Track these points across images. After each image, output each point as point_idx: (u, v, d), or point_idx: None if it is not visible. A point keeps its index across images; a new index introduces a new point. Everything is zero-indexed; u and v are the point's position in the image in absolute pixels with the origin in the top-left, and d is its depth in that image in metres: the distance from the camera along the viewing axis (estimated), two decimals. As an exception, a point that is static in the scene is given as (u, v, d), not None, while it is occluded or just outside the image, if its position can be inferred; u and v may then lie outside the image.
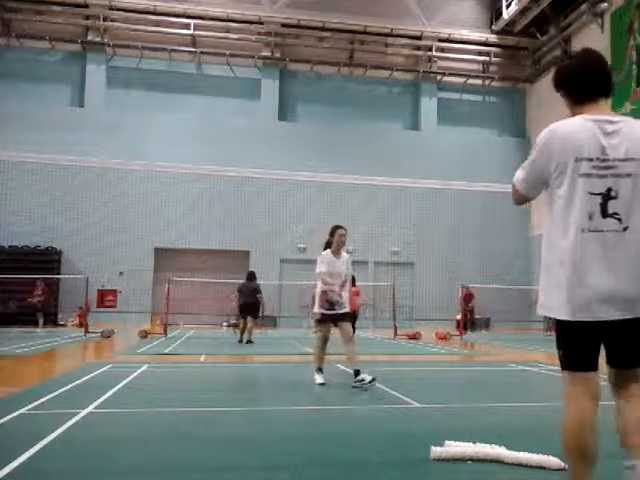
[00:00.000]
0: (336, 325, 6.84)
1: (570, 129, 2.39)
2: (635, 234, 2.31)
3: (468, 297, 20.63)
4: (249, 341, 13.92)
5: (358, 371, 6.57)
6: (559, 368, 2.43)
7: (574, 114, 2.50)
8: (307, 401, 5.95)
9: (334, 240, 6.84)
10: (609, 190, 2.32)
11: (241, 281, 15.08)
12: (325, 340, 6.97)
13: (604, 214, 2.32)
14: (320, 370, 7.01)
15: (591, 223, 2.31)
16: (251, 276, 14.65)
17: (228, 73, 27.57)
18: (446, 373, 8.86)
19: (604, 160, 2.33)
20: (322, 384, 6.78)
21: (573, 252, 2.32)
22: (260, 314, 14.71)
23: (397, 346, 14.37)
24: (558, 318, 2.36)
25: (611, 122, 2.38)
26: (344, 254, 6.97)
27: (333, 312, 6.78)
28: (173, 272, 21.42)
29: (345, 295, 6.91)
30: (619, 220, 2.31)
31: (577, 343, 2.35)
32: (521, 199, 2.66)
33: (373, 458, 3.70)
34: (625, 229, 2.31)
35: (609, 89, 2.49)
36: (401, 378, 7.81)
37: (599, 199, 2.32)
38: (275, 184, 24.92)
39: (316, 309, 6.93)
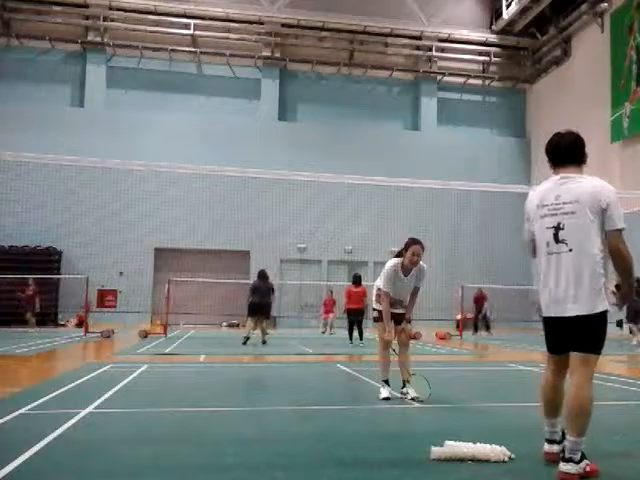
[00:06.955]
0: (397, 324, 6.17)
1: (541, 187, 3.56)
2: (577, 254, 3.32)
3: (480, 299, 20.59)
4: (264, 342, 13.64)
5: (407, 381, 6.12)
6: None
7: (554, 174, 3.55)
8: (307, 401, 5.94)
9: (406, 257, 5.88)
10: (559, 224, 3.37)
11: (246, 281, 14.75)
12: (385, 344, 6.15)
13: (557, 241, 3.36)
14: (386, 382, 6.08)
15: (548, 248, 3.41)
16: (264, 275, 14.09)
17: (228, 73, 27.57)
18: (446, 373, 8.86)
19: (556, 203, 3.39)
20: (387, 399, 5.90)
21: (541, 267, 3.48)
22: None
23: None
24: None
25: (568, 177, 3.41)
26: (419, 266, 5.97)
27: (394, 310, 6.07)
28: (173, 272, 21.39)
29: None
30: (566, 244, 3.34)
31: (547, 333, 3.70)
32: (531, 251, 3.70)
33: (373, 458, 3.70)
34: (570, 250, 3.33)
35: (575, 159, 3.48)
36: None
37: (552, 231, 3.39)
38: (275, 184, 24.86)
39: (374, 305, 6.18)
